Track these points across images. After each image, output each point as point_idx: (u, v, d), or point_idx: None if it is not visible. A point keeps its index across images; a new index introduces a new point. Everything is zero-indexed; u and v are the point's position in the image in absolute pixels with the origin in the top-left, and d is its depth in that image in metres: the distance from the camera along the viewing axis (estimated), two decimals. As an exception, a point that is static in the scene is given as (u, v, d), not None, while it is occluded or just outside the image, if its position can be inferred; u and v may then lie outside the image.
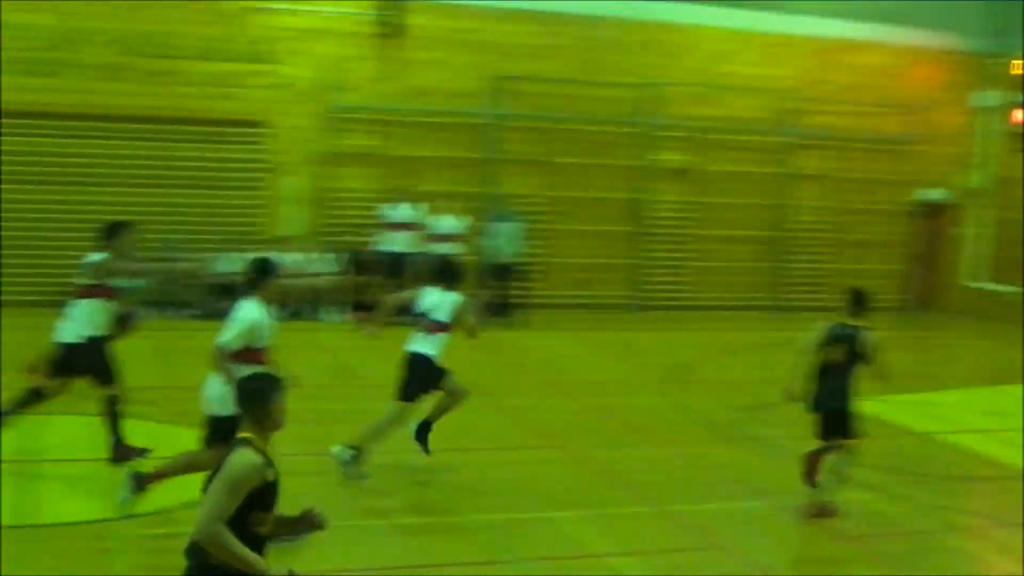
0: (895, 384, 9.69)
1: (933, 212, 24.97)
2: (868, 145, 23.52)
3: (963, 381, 17.25)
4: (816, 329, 9.62)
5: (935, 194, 24.67)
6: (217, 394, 7.44)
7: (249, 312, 7.65)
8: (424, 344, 9.62)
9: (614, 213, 23.16)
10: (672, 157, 23.43)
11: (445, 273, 10.08)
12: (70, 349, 9.06)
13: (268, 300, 7.93)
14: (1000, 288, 23.64)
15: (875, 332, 9.35)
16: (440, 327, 9.73)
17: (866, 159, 23.73)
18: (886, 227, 24.15)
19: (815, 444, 9.50)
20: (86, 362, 9.06)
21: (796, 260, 23.09)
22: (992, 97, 24.26)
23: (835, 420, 9.35)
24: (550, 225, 22.45)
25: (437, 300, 9.77)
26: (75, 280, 9.21)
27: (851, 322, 9.62)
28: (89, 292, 9.09)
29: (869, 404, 11.21)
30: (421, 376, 9.54)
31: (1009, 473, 11.59)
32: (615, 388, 14.62)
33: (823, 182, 23.44)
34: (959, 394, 16.43)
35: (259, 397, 4.62)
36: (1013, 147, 24.78)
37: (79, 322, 9.08)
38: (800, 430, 9.99)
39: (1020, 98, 23.46)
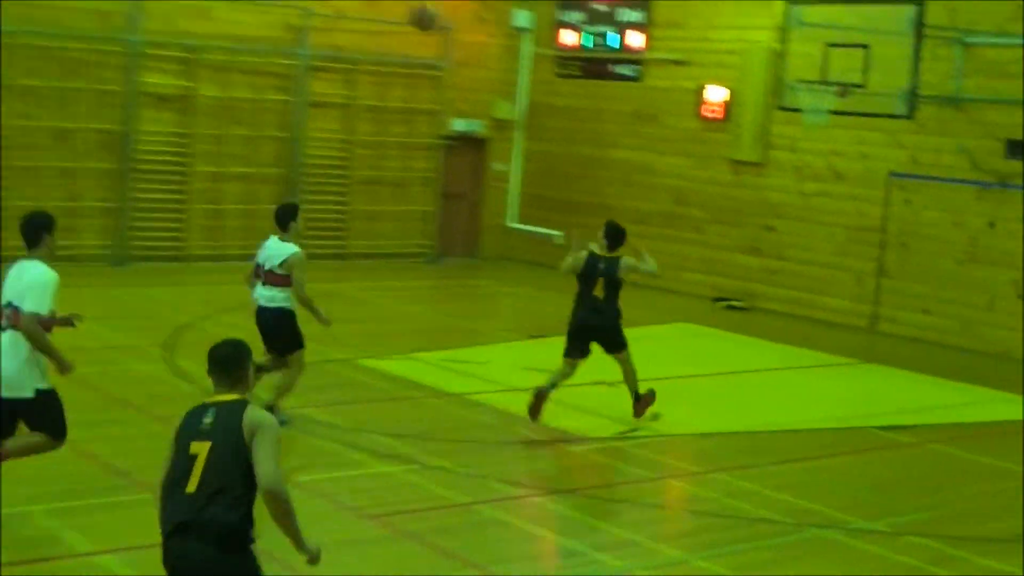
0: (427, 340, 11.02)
1: (470, 146, 26.67)
2: (394, 69, 24.91)
3: (502, 334, 18.71)
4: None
5: (471, 125, 26.42)
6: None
7: (48, 273, 8.43)
8: None
9: (94, 147, 22.36)
10: (161, 81, 23.33)
11: None
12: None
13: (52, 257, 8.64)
14: (541, 231, 25.75)
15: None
16: None
17: (393, 86, 25.20)
18: (418, 163, 25.78)
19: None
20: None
21: (315, 201, 23.67)
22: (531, 17, 26.42)
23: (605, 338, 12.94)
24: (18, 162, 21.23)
25: None
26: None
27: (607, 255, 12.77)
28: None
29: (396, 364, 13.62)
30: None
31: (552, 436, 12.49)
32: (97, 356, 14.05)
33: (345, 111, 24.56)
34: (497, 349, 17.23)
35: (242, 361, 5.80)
36: (558, 72, 26.55)
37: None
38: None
39: (564, 17, 25.60)
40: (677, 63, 24.11)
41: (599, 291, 12.69)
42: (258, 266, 11.82)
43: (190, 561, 5.29)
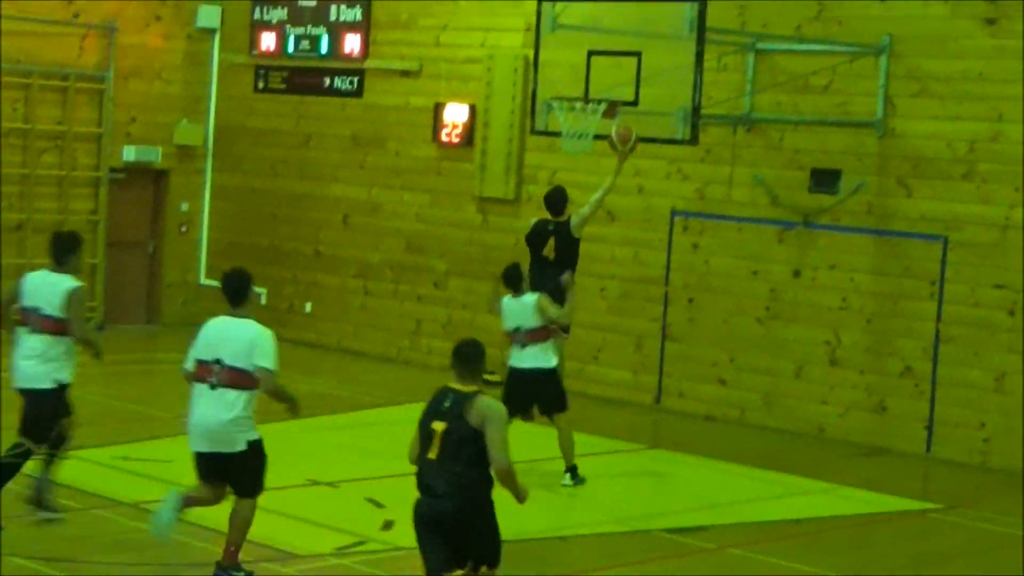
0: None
1: (146, 179, 24.04)
2: (40, 81, 22.09)
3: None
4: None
5: (145, 153, 23.56)
6: None
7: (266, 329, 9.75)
8: None
9: None
10: None
11: None
12: None
13: None
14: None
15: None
16: None
17: (42, 103, 22.54)
18: (76, 203, 22.73)
19: None
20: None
21: None
22: (217, 15, 24.35)
23: None
24: None
25: None
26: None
27: None
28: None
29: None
30: None
31: (258, 555, 10.82)
32: None
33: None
34: (183, 442, 13.70)
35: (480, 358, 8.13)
36: (257, 86, 24.45)
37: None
38: None
39: (262, 15, 23.89)
40: (405, 74, 21.77)
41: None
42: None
43: (435, 514, 7.84)
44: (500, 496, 8.57)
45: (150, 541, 10.62)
